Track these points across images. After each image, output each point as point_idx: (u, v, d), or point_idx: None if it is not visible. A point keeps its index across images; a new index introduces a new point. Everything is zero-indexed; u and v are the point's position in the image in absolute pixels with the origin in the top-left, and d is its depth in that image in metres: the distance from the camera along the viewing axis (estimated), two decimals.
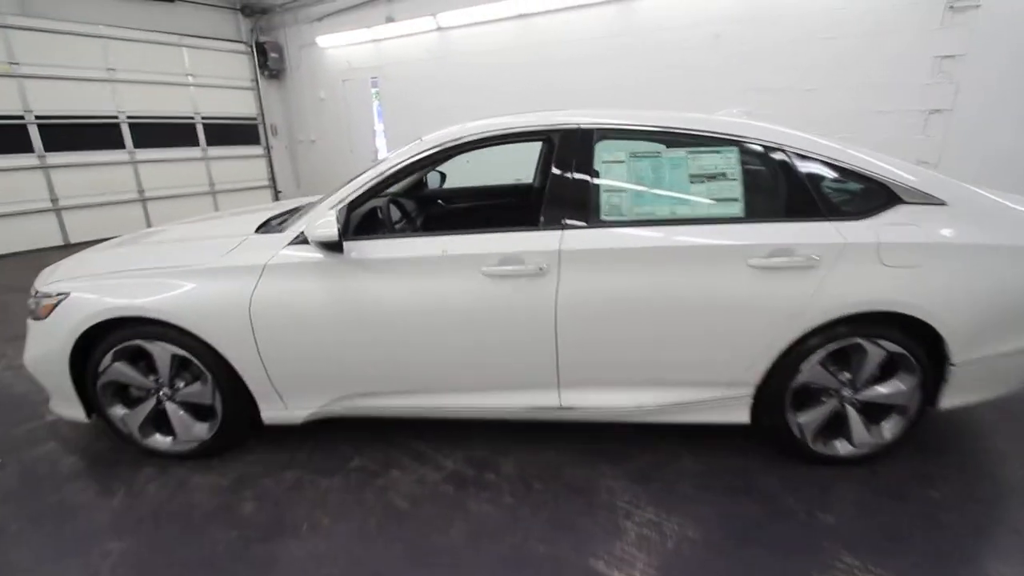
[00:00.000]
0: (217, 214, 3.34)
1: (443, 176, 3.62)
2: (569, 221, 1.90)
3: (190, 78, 7.87)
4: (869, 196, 1.93)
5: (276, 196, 9.25)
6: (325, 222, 1.80)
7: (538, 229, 1.91)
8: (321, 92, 8.38)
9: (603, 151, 1.94)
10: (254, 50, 8.44)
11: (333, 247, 1.84)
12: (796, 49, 4.57)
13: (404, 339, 1.98)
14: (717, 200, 1.90)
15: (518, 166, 3.40)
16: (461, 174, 3.47)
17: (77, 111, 6.80)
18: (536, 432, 2.31)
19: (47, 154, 6.58)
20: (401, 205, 2.71)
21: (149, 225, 7.64)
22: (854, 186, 1.95)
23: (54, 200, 6.75)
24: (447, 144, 2.02)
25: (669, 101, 4.42)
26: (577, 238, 1.88)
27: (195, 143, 8.07)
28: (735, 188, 1.90)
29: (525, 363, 2.00)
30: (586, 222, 1.90)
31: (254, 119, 8.85)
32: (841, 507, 1.88)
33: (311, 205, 2.16)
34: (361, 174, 2.06)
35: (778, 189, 1.93)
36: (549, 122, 2.02)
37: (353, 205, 2.01)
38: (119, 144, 7.27)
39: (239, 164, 8.73)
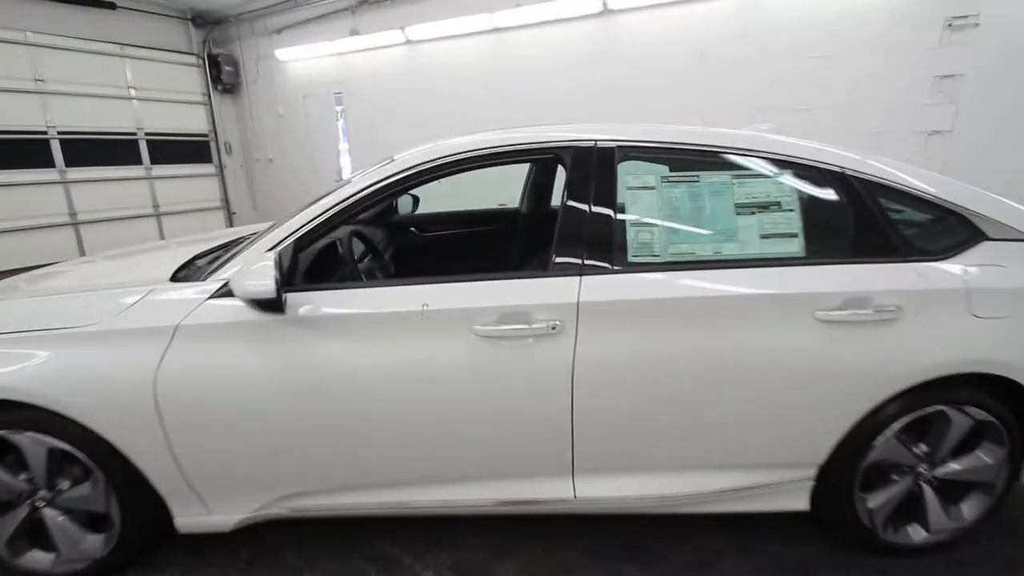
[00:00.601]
0: (153, 245, 2.76)
1: (416, 200, 3.16)
2: (588, 263, 1.47)
3: (132, 91, 7.19)
4: (948, 231, 1.57)
5: (230, 218, 8.57)
6: (259, 270, 1.30)
7: (548, 275, 1.47)
8: (280, 108, 7.82)
9: (627, 175, 1.53)
10: (206, 63, 7.83)
11: (269, 305, 1.35)
12: (788, 67, 4.35)
13: (370, 421, 1.49)
14: (771, 236, 1.51)
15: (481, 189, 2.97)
16: (434, 197, 3.04)
17: None
18: (541, 525, 1.83)
19: None
20: (365, 237, 2.23)
21: (82, 252, 6.86)
22: (929, 218, 1.60)
23: None
24: (424, 165, 1.58)
25: (654, 121, 4.13)
26: (599, 286, 1.44)
27: (137, 161, 7.34)
28: (792, 221, 1.51)
29: (530, 447, 1.54)
30: (609, 265, 1.47)
31: (205, 136, 8.18)
32: None
33: (252, 238, 1.66)
34: (315, 201, 1.59)
35: (843, 222, 1.55)
36: (556, 138, 1.59)
37: (302, 243, 1.53)
38: (47, 162, 6.50)
39: (188, 184, 8.02)
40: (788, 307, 1.45)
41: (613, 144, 1.55)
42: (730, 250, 1.49)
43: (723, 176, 1.53)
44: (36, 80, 6.29)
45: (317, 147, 7.83)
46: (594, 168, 1.53)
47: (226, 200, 8.61)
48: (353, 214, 1.56)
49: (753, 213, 1.51)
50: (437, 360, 1.44)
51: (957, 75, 3.84)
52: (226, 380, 1.44)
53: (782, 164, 1.54)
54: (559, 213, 1.52)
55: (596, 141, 1.55)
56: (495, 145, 1.58)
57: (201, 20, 7.69)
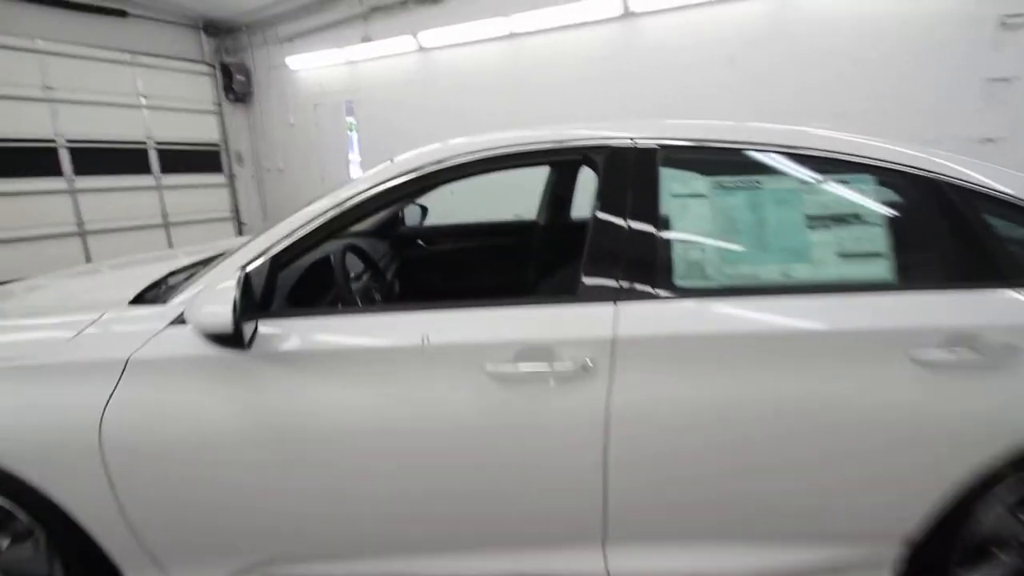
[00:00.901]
0: (164, 254, 2.52)
1: (424, 210, 2.93)
2: (625, 287, 1.20)
3: (143, 100, 7.11)
4: None
5: (239, 228, 8.44)
6: (216, 296, 1.06)
7: (576, 301, 1.21)
8: (291, 117, 7.71)
9: (672, 181, 1.27)
10: (217, 72, 7.76)
11: (228, 340, 1.09)
12: (823, 70, 4.09)
13: (357, 476, 1.23)
14: (851, 256, 1.23)
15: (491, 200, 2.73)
16: (438, 207, 2.80)
17: (4, 134, 5.97)
18: None
19: None
20: (363, 252, 1.97)
21: (88, 262, 6.75)
22: None
23: None
24: (429, 167, 1.33)
25: None
26: (640, 317, 1.17)
27: (146, 170, 7.25)
28: (877, 237, 1.23)
29: (552, 511, 1.27)
30: (651, 289, 1.20)
31: (216, 145, 8.09)
32: None
33: (227, 254, 1.42)
34: (300, 211, 1.34)
35: (939, 240, 1.27)
36: (587, 136, 1.34)
37: (282, 259, 1.28)
38: (55, 171, 6.41)
39: (198, 194, 7.92)
40: (876, 345, 1.16)
41: (655, 143, 1.29)
42: (801, 273, 1.22)
43: (790, 181, 1.26)
44: (45, 88, 6.23)
45: (327, 157, 7.70)
46: (632, 172, 1.27)
47: (236, 210, 8.50)
48: (343, 226, 1.31)
49: (828, 227, 1.23)
50: (439, 405, 1.18)
51: (1013, 78, 3.54)
52: (185, 426, 1.19)
53: (863, 168, 1.27)
54: (589, 226, 1.26)
55: (634, 140, 1.29)
56: (514, 145, 1.33)
57: (213, 29, 7.63)
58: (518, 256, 2.51)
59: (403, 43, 6.05)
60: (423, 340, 1.16)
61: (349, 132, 7.44)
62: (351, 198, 1.30)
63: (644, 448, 1.18)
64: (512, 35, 5.37)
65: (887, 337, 1.16)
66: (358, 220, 1.33)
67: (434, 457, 1.21)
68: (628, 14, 4.69)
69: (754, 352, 1.17)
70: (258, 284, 1.18)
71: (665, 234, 1.23)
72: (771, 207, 1.24)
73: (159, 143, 7.30)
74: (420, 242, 2.76)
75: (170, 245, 7.59)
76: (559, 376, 1.15)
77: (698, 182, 1.25)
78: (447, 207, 2.76)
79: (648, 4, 4.54)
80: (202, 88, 7.77)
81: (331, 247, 1.67)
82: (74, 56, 6.37)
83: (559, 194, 2.55)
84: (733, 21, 4.32)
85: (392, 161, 1.39)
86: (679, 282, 1.20)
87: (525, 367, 1.15)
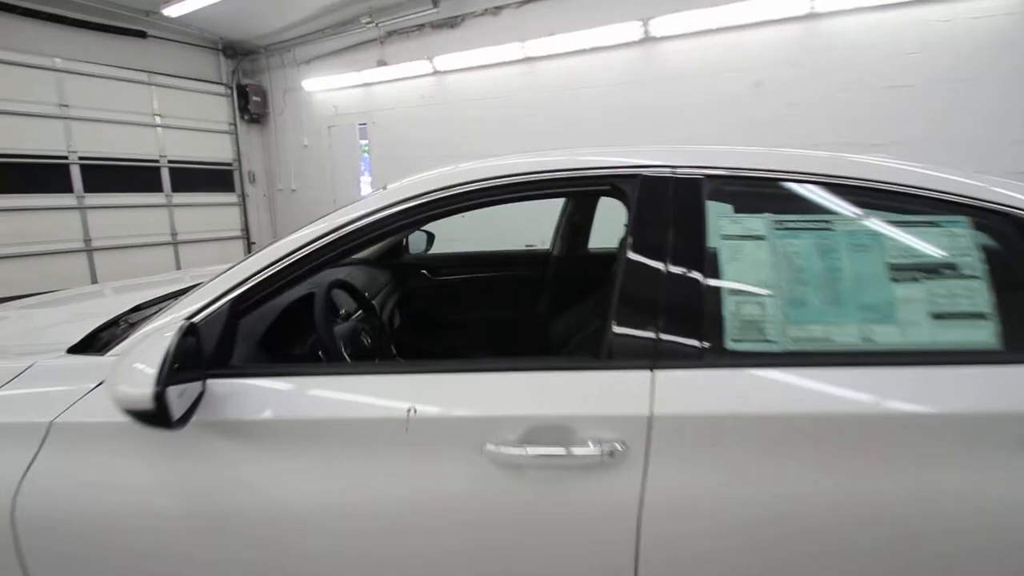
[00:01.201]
0: (170, 276, 2.35)
1: (430, 238, 2.73)
2: (666, 349, 0.96)
3: (157, 119, 7.12)
4: None
5: (249, 247, 8.36)
6: (145, 355, 0.83)
7: (602, 366, 0.97)
8: (305, 139, 7.67)
9: (721, 218, 1.04)
10: (234, 93, 7.78)
11: (153, 419, 0.86)
12: (854, 99, 3.88)
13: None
14: (947, 316, 0.98)
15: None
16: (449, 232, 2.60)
17: (15, 149, 5.96)
18: None
19: None
20: (354, 289, 1.75)
21: (94, 280, 6.67)
22: None
23: None
24: (432, 195, 1.12)
25: None
26: (684, 389, 0.93)
27: (158, 188, 7.22)
28: (978, 293, 0.98)
29: None
30: (697, 351, 0.96)
31: (229, 165, 8.08)
32: None
33: (192, 291, 1.20)
34: (272, 244, 1.13)
35: None
36: (615, 163, 1.12)
37: (245, 303, 1.06)
38: (65, 187, 6.38)
39: (208, 212, 7.87)
40: (983, 431, 0.91)
41: (699, 173, 1.06)
42: (886, 336, 0.97)
43: (870, 222, 1.03)
44: (61, 106, 6.24)
45: (340, 178, 7.64)
46: (671, 206, 1.04)
47: (246, 229, 8.44)
48: (322, 264, 1.10)
49: (917, 280, 0.99)
50: (427, 496, 0.94)
51: None
52: (118, 508, 0.96)
53: (956, 208, 1.03)
54: (617, 272, 1.03)
55: (674, 168, 1.07)
56: (530, 172, 1.12)
57: (231, 51, 7.68)
58: (530, 290, 2.28)
59: (418, 66, 5.99)
60: (408, 412, 0.93)
61: (363, 153, 7.38)
62: (334, 231, 1.09)
63: (687, 560, 0.93)
64: (528, 59, 5.27)
65: (996, 420, 0.91)
66: (342, 256, 1.12)
67: (417, 559, 0.97)
68: (648, 38, 4.54)
69: (830, 438, 0.91)
70: (212, 333, 0.97)
71: (714, 283, 0.99)
72: (847, 253, 1.00)
73: (172, 161, 7.29)
74: (424, 272, 2.56)
75: (177, 263, 7.51)
76: (579, 463, 0.90)
77: (755, 221, 1.02)
78: (452, 232, 2.57)
79: (670, 28, 4.39)
80: (218, 108, 7.79)
81: (319, 279, 1.46)
82: (92, 75, 6.40)
83: (576, 222, 2.34)
84: (759, 45, 4.15)
85: (385, 188, 1.19)
86: (733, 345, 0.96)
87: (535, 450, 0.91)
